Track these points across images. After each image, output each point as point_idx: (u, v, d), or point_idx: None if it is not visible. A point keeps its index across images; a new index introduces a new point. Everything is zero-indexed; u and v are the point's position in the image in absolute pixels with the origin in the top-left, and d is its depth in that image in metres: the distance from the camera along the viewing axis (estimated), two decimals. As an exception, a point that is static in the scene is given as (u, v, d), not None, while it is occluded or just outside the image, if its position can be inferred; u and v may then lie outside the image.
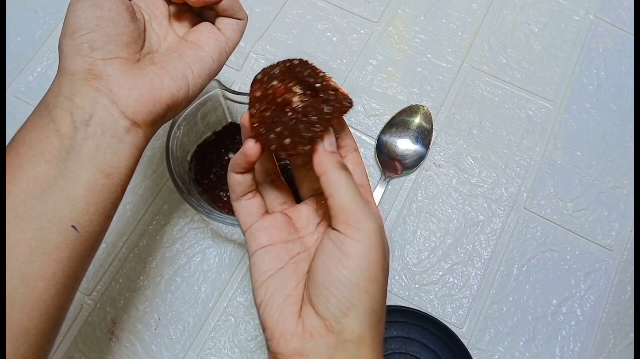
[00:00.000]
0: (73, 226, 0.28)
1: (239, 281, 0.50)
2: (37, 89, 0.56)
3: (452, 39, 0.59)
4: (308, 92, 0.30)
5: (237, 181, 0.32)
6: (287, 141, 0.30)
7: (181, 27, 0.36)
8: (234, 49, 0.37)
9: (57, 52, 0.56)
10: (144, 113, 0.31)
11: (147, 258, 0.50)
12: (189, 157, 0.50)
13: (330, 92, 0.30)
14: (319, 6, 0.60)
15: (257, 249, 0.32)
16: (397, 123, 0.55)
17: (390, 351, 0.47)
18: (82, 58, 0.30)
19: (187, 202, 0.43)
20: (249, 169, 0.32)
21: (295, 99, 0.30)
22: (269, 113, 0.30)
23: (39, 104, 0.30)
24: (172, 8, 0.36)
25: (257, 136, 0.30)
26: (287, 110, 0.30)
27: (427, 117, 0.55)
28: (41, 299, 0.27)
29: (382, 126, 0.55)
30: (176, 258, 0.50)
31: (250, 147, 0.31)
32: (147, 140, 0.32)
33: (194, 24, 0.37)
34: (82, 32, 0.30)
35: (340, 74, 0.57)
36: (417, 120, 0.55)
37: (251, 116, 0.31)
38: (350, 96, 0.31)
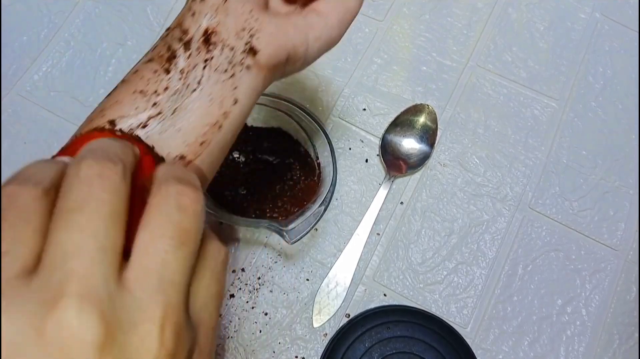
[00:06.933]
0: None
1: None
2: (42, 88, 0.56)
3: (457, 38, 0.59)
4: None
5: None
6: None
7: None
8: (354, 18, 0.35)
9: (63, 51, 0.57)
10: (267, 55, 0.30)
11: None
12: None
13: None
14: (324, 5, 0.60)
15: None
16: (402, 122, 0.54)
17: (394, 351, 0.47)
18: None
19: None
20: None
21: None
22: None
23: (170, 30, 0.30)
24: None
25: None
26: None
27: (432, 117, 0.55)
28: None
29: (387, 125, 0.55)
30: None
31: None
32: (264, 87, 0.31)
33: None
34: None
35: (344, 72, 0.57)
36: (421, 119, 0.54)
37: None
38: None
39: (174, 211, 0.18)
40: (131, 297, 0.16)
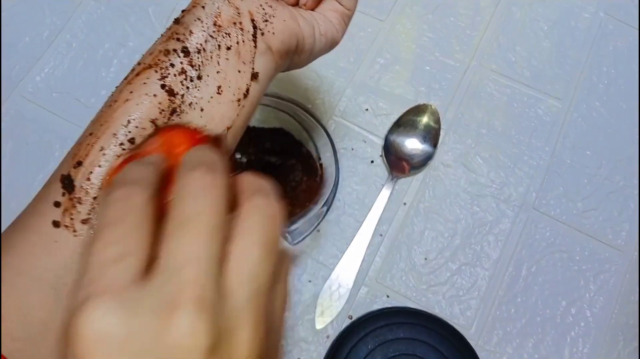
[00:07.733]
0: None
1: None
2: (44, 89, 0.56)
3: (461, 37, 0.59)
4: None
5: None
6: None
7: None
8: (349, 22, 0.38)
9: (65, 52, 0.57)
10: (279, 40, 0.31)
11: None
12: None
13: None
14: (326, 5, 0.60)
15: None
16: (405, 122, 0.54)
17: (397, 353, 0.46)
18: None
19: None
20: None
21: None
22: None
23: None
24: None
25: None
26: None
27: (435, 117, 0.54)
28: None
29: (390, 125, 0.54)
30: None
31: None
32: (275, 72, 0.33)
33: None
34: None
35: (347, 73, 0.57)
36: (424, 119, 0.54)
37: None
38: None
39: (265, 221, 0.19)
40: (230, 303, 0.18)
